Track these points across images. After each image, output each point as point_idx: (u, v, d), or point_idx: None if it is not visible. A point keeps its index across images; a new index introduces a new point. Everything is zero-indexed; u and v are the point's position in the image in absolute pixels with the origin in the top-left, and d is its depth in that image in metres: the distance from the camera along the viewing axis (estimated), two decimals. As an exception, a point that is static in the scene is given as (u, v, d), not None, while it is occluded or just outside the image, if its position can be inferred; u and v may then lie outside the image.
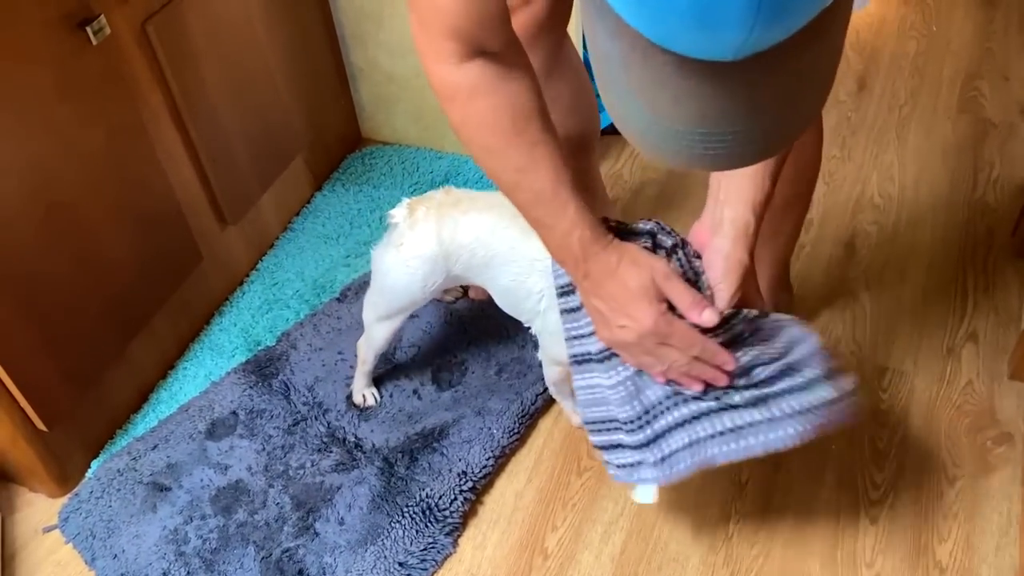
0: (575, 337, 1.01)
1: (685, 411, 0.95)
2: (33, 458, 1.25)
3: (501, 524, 1.22)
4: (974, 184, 1.64)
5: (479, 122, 0.87)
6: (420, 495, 1.22)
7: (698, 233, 0.96)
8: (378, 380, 1.38)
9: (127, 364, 1.36)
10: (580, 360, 1.02)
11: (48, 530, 1.26)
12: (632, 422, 0.98)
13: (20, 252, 1.13)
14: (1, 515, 1.28)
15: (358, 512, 1.22)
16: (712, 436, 0.94)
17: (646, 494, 1.00)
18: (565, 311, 1.02)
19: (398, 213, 1.19)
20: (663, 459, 0.96)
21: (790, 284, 1.40)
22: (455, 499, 1.22)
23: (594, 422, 1.02)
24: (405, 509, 1.21)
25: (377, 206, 1.69)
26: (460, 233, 1.14)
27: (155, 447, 1.32)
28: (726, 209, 0.93)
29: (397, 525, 1.20)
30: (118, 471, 1.30)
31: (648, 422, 0.97)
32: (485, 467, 1.25)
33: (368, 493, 1.23)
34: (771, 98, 0.59)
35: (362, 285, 1.53)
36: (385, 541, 1.18)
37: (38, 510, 1.29)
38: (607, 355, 0.98)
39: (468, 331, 1.45)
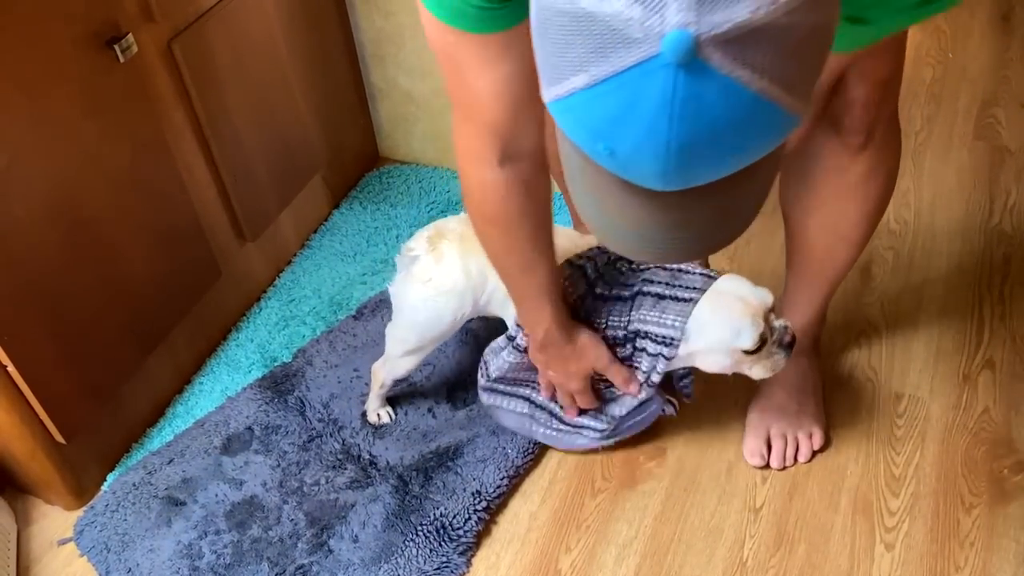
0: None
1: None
2: (50, 470, 1.25)
3: (515, 544, 1.22)
4: (990, 211, 1.64)
5: (507, 222, 1.00)
6: (434, 514, 1.22)
7: None
8: (393, 398, 1.38)
9: (144, 378, 1.37)
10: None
11: (63, 543, 1.27)
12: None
13: (43, 266, 1.14)
14: (17, 527, 1.28)
15: (372, 530, 1.22)
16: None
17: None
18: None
19: (417, 246, 1.19)
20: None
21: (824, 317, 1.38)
22: (469, 518, 1.22)
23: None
24: (419, 527, 1.21)
25: (394, 225, 1.70)
26: (487, 265, 1.13)
27: (171, 461, 1.33)
28: None
29: (411, 543, 1.20)
30: (133, 485, 1.30)
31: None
32: (499, 487, 1.25)
33: (382, 511, 1.24)
34: (705, 219, 0.63)
35: (379, 303, 1.54)
36: (399, 559, 1.18)
37: (54, 522, 1.30)
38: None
39: (483, 350, 1.45)
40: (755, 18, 0.48)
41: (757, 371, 1.11)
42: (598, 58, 0.50)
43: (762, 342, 1.05)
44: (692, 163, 0.54)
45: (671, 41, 0.47)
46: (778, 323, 1.09)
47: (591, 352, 1.14)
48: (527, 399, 1.27)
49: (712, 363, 1.10)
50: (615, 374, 1.16)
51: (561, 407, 1.25)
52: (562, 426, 1.27)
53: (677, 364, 1.14)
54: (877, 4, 0.72)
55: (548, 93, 0.55)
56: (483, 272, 1.15)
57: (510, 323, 1.20)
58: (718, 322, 1.04)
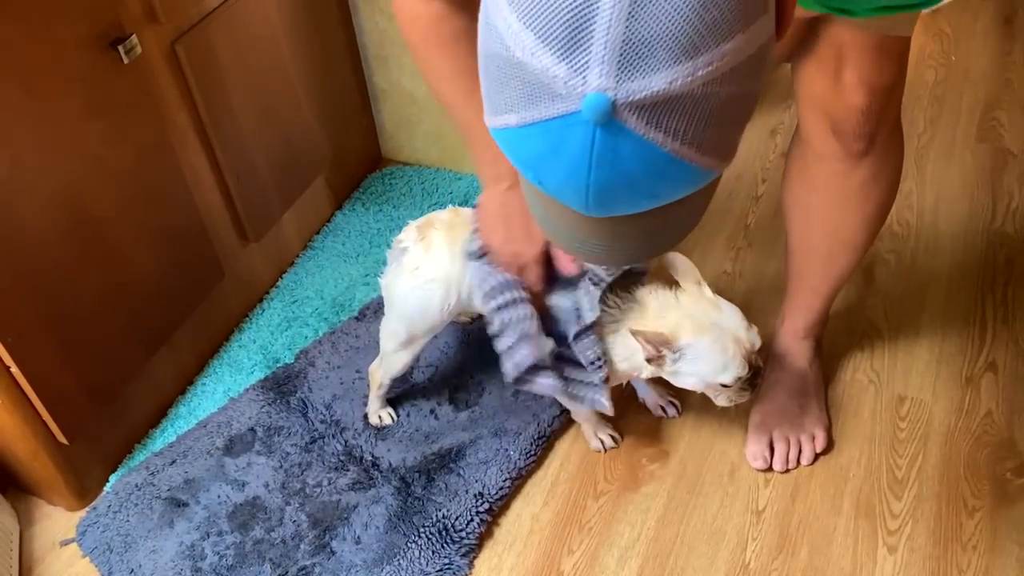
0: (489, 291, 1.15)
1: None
2: (53, 471, 1.25)
3: (517, 546, 1.22)
4: (993, 214, 1.64)
5: (438, 43, 0.98)
6: (436, 515, 1.22)
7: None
8: (395, 400, 1.38)
9: (147, 379, 1.37)
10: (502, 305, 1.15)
11: (66, 543, 1.27)
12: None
13: (46, 266, 1.14)
14: (19, 528, 1.28)
15: (374, 531, 1.22)
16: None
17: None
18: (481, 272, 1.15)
19: (407, 237, 1.20)
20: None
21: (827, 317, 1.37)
22: (471, 520, 1.22)
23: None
24: (421, 529, 1.21)
25: (396, 226, 1.70)
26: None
27: (173, 462, 1.33)
28: None
29: (413, 545, 1.20)
30: (136, 486, 1.30)
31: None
32: (502, 488, 1.25)
33: (385, 512, 1.24)
34: (634, 235, 0.65)
35: (381, 304, 1.53)
36: (401, 561, 1.18)
37: (56, 523, 1.30)
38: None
39: (485, 351, 1.44)
40: (671, 89, 0.50)
41: (721, 399, 1.16)
42: (527, 103, 0.54)
43: (737, 380, 1.12)
44: (610, 204, 0.57)
45: (590, 102, 0.51)
46: (754, 361, 1.13)
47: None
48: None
49: (688, 383, 1.14)
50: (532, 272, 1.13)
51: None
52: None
53: (650, 375, 1.15)
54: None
55: (487, 120, 0.59)
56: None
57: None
58: (713, 355, 1.09)
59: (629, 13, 0.49)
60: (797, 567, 1.17)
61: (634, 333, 1.08)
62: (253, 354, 1.49)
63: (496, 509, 1.24)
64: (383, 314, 1.51)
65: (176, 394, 1.44)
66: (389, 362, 1.29)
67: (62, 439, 1.22)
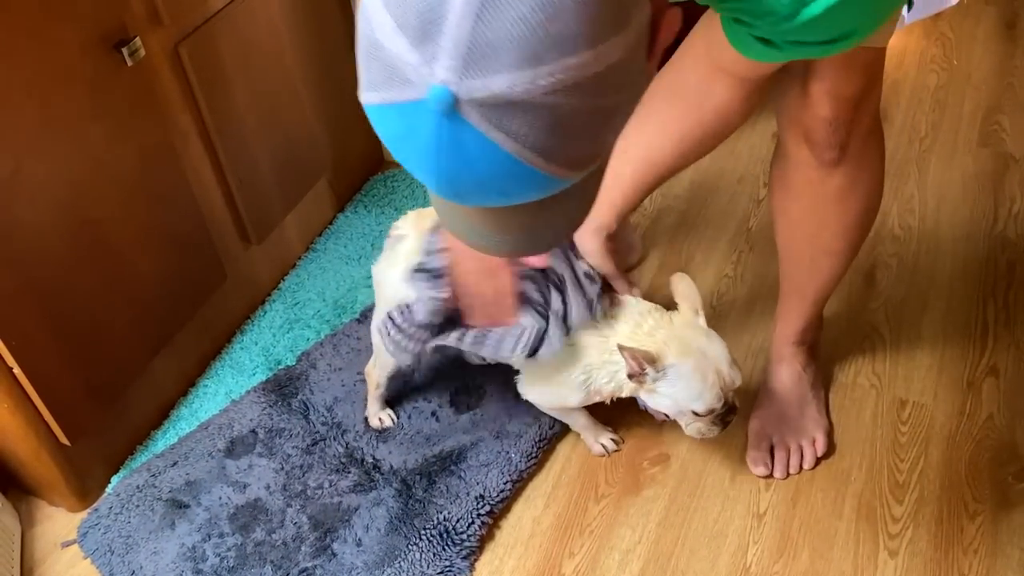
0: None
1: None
2: (55, 472, 1.26)
3: (518, 549, 1.22)
4: (995, 218, 1.64)
5: None
6: (438, 518, 1.22)
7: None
8: (396, 401, 1.38)
9: (149, 380, 1.37)
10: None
11: (67, 545, 1.27)
12: None
13: (49, 268, 1.14)
14: (21, 528, 1.28)
15: (375, 533, 1.22)
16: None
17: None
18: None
19: (404, 225, 1.20)
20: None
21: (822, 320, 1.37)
22: (472, 523, 1.22)
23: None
24: (423, 532, 1.21)
25: (398, 228, 1.71)
26: None
27: (174, 464, 1.33)
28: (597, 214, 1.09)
29: (414, 547, 1.20)
30: (137, 487, 1.30)
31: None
32: (503, 491, 1.25)
33: (386, 515, 1.24)
34: (516, 229, 0.66)
35: (383, 307, 1.54)
36: (402, 563, 1.18)
37: (57, 524, 1.30)
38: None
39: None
40: (511, 93, 0.52)
41: (691, 429, 1.16)
42: (386, 84, 0.56)
43: (709, 412, 1.12)
44: (463, 193, 0.59)
45: (435, 93, 0.53)
46: (731, 399, 1.14)
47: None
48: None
49: (662, 405, 1.14)
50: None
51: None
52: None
53: (630, 392, 1.16)
54: (780, 32, 0.74)
55: (359, 94, 0.60)
56: None
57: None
58: (692, 382, 1.10)
59: (477, 15, 0.51)
60: (798, 570, 1.17)
61: (621, 348, 1.09)
62: (255, 356, 1.49)
63: (497, 512, 1.25)
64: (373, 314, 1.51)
65: (178, 396, 1.44)
66: (383, 360, 1.28)
67: (64, 440, 1.22)
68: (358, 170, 1.81)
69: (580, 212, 0.68)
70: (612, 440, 1.31)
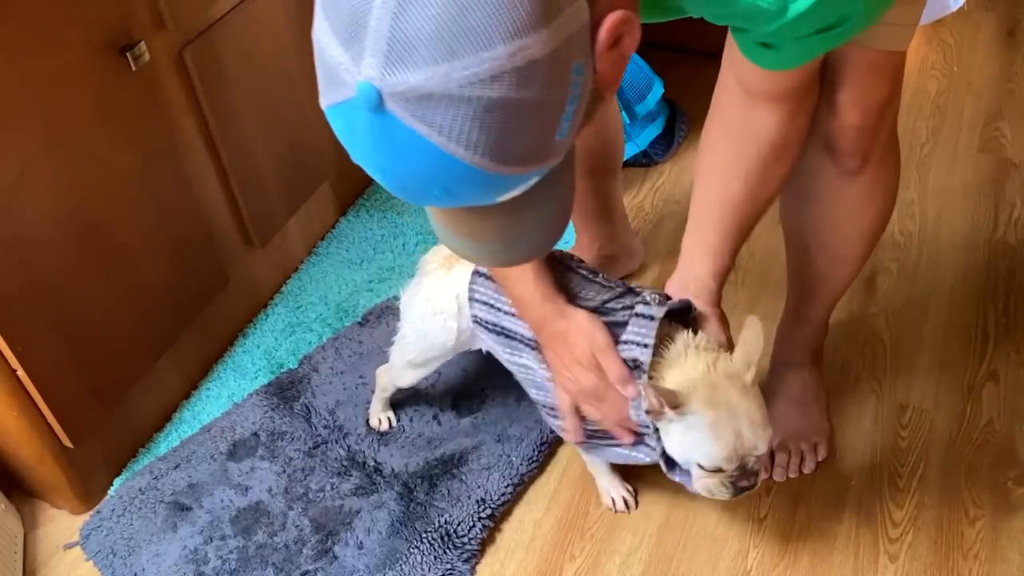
0: (499, 310, 1.14)
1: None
2: (57, 474, 1.26)
3: (519, 552, 1.22)
4: (995, 224, 1.65)
5: None
6: (439, 521, 1.23)
7: (668, 290, 1.09)
8: (398, 405, 1.39)
9: (152, 383, 1.38)
10: (509, 336, 1.14)
11: (69, 547, 1.27)
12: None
13: (54, 270, 1.15)
14: (23, 530, 1.29)
15: (377, 536, 1.22)
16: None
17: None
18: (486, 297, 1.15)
19: (433, 260, 1.20)
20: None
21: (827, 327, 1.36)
22: (473, 526, 1.22)
23: (544, 406, 1.17)
24: (424, 535, 1.21)
25: (400, 232, 1.71)
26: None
27: (177, 467, 1.33)
28: (691, 275, 1.07)
29: (415, 550, 1.20)
30: (140, 490, 1.31)
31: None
32: (504, 494, 1.26)
33: (387, 518, 1.24)
34: (492, 238, 0.69)
35: (384, 310, 1.54)
36: (403, 566, 1.19)
37: (60, 526, 1.30)
38: (535, 344, 1.12)
39: (488, 357, 1.45)
40: (428, 85, 0.55)
41: (698, 484, 1.05)
42: (330, 87, 0.59)
43: (716, 470, 1.03)
44: (409, 191, 0.62)
45: (361, 89, 0.56)
46: (751, 465, 1.03)
47: (587, 325, 1.05)
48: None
49: (672, 448, 1.04)
50: (611, 362, 1.04)
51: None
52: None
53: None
54: (777, 32, 0.75)
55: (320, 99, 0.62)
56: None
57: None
58: (704, 434, 1.00)
59: (395, 13, 0.54)
60: (798, 574, 1.17)
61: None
62: (257, 359, 1.50)
63: (498, 515, 1.25)
64: (387, 320, 1.52)
65: (180, 399, 1.45)
66: (397, 374, 1.29)
67: (67, 442, 1.23)
68: (361, 174, 1.79)
69: (554, 223, 0.70)
70: (623, 499, 1.25)
